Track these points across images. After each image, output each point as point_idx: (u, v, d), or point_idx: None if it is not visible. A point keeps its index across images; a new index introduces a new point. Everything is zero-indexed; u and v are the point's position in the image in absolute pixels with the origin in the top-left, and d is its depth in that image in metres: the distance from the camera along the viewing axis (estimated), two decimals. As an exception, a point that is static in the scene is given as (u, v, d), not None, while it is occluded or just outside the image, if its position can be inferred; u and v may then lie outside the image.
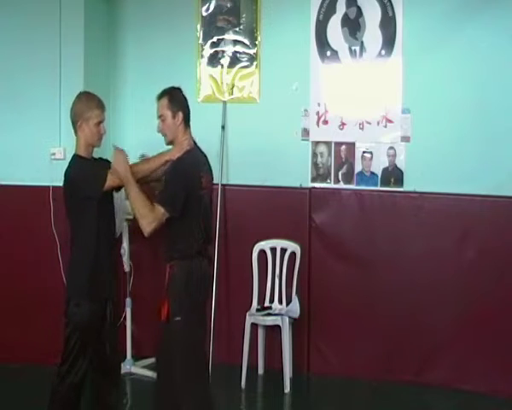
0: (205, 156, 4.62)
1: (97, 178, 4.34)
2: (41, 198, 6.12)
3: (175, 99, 4.49)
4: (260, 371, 6.20)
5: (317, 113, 6.28)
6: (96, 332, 4.39)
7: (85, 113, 4.39)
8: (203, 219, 4.51)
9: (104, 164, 4.50)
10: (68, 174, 4.41)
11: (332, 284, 6.20)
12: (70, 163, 4.46)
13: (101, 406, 4.54)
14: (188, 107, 4.54)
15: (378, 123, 6.16)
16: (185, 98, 4.56)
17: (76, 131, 4.44)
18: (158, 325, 4.48)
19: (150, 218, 4.28)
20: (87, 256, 4.37)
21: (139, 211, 4.31)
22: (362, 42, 6.16)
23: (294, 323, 6.10)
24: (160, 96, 4.51)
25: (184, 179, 4.38)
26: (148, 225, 4.28)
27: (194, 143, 4.56)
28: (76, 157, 4.45)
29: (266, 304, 6.21)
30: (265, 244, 6.22)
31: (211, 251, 4.71)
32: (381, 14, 6.10)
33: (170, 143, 4.53)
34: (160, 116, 4.49)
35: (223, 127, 6.41)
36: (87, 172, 4.37)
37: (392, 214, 6.12)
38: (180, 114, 4.46)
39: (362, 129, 6.20)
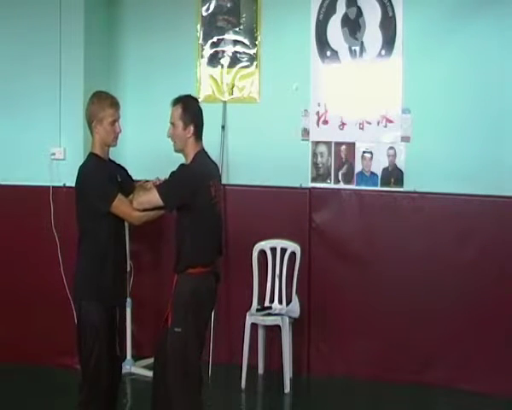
0: (215, 165, 4.59)
1: (108, 194, 4.27)
2: (41, 198, 6.12)
3: (189, 110, 4.41)
4: (260, 371, 6.19)
5: (317, 113, 6.28)
6: (109, 334, 4.34)
7: (99, 113, 4.34)
8: (215, 230, 4.49)
9: (121, 177, 4.45)
10: (81, 174, 4.36)
11: (332, 284, 6.20)
12: (85, 161, 4.42)
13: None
14: (202, 119, 4.46)
15: (378, 123, 6.16)
16: (200, 110, 4.48)
17: (92, 133, 4.40)
18: (161, 329, 4.47)
19: (142, 194, 4.31)
20: (97, 260, 4.30)
21: (136, 196, 4.34)
22: (362, 42, 6.16)
23: (294, 323, 6.10)
24: (175, 103, 4.43)
25: (189, 185, 4.33)
26: (138, 203, 4.28)
27: (205, 152, 4.50)
28: (91, 156, 4.39)
29: (266, 304, 6.21)
30: (265, 244, 6.22)
31: (219, 264, 4.59)
32: (381, 14, 6.10)
33: (178, 151, 4.46)
34: (171, 123, 4.43)
35: (223, 127, 6.41)
36: (99, 182, 4.28)
37: (392, 214, 6.12)
38: (191, 127, 4.38)
39: (362, 129, 6.20)
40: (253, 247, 6.21)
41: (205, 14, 6.48)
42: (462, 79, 5.97)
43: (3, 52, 6.31)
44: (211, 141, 6.31)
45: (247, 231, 6.29)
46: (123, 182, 4.45)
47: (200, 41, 6.49)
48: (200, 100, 6.35)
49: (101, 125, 4.34)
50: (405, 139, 6.11)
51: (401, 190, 6.13)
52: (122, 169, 4.58)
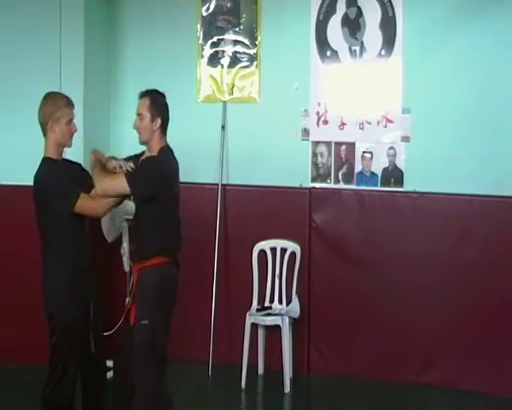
0: (178, 164, 4.59)
1: (69, 195, 4.23)
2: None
3: (157, 103, 4.48)
4: (260, 371, 6.19)
5: (317, 113, 6.29)
6: (82, 333, 4.37)
7: (55, 113, 4.31)
8: (177, 224, 4.53)
9: (77, 173, 4.43)
10: (38, 180, 4.30)
11: (332, 284, 6.20)
12: (40, 167, 4.35)
13: (88, 404, 4.53)
14: (168, 115, 4.53)
15: (378, 123, 6.17)
16: (167, 106, 4.55)
17: (45, 133, 4.35)
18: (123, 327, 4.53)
19: (108, 181, 4.30)
20: (65, 263, 4.30)
21: (99, 180, 4.32)
22: (362, 42, 6.17)
23: (294, 323, 6.10)
24: (143, 95, 4.51)
25: (158, 179, 4.37)
26: (102, 190, 4.28)
27: (170, 149, 4.54)
28: (46, 160, 4.35)
29: (266, 304, 6.21)
30: (265, 244, 6.22)
31: (180, 257, 4.59)
32: (381, 14, 6.11)
33: (144, 143, 4.53)
34: (138, 114, 4.50)
35: (223, 127, 6.41)
36: (58, 185, 4.23)
37: (392, 214, 6.12)
38: (159, 120, 4.45)
39: (362, 129, 6.20)
40: (253, 247, 6.21)
41: (205, 14, 6.48)
42: (462, 78, 5.98)
43: (3, 51, 6.31)
44: (211, 141, 6.40)
45: (247, 231, 6.29)
46: (81, 177, 4.43)
47: (200, 41, 6.49)
48: (200, 100, 6.49)
49: (57, 125, 4.31)
50: (405, 139, 6.12)
51: (401, 190, 6.14)
52: (77, 165, 4.56)
